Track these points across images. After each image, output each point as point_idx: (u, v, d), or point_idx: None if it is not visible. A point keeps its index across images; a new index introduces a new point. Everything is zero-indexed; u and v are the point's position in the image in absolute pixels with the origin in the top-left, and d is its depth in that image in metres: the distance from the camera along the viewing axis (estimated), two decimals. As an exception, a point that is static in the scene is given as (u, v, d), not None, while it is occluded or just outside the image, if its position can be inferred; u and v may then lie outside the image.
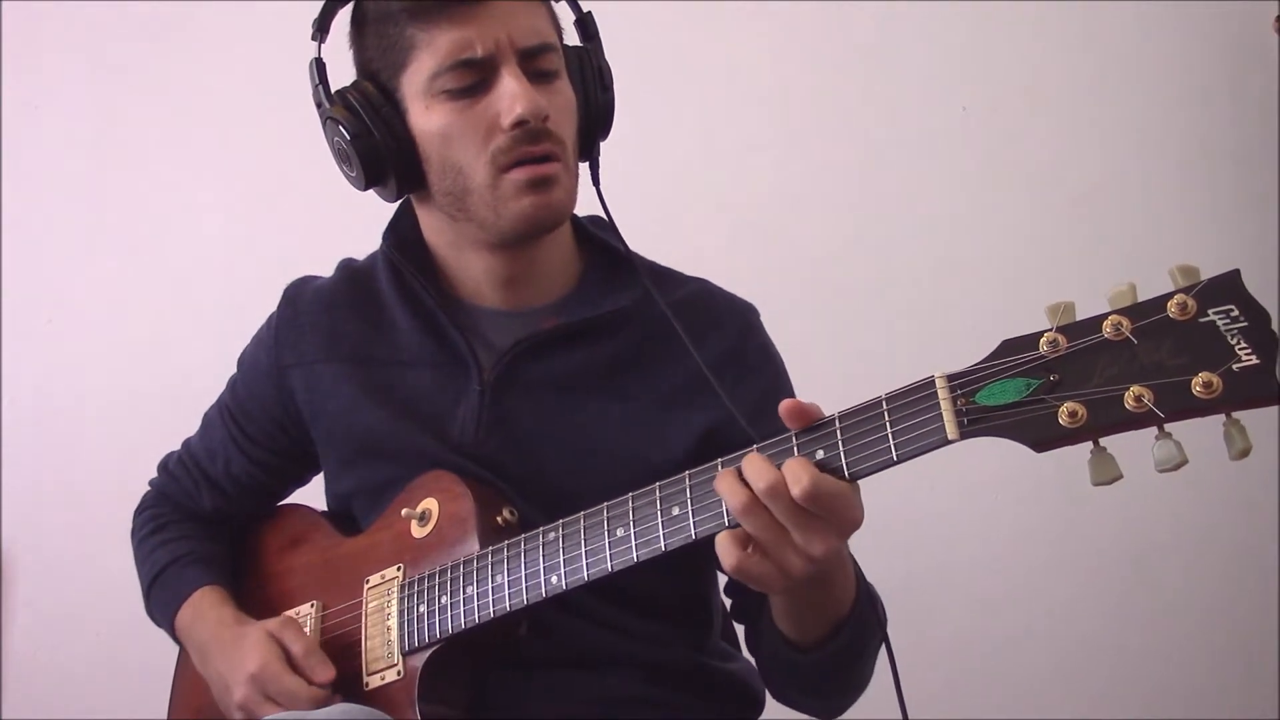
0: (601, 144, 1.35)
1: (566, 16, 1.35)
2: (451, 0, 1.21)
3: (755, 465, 1.02)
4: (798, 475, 0.99)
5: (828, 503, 1.00)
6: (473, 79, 1.23)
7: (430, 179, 1.28)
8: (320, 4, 1.33)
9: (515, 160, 1.23)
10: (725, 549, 1.03)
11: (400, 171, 1.28)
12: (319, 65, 1.32)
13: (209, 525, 1.51)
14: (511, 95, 1.21)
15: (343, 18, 1.33)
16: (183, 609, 1.42)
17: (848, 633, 1.16)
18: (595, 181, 1.35)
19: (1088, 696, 2.27)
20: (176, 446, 1.57)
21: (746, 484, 1.02)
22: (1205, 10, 2.41)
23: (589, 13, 1.36)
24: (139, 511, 1.56)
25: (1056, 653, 2.30)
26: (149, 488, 1.58)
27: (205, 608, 1.40)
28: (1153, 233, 2.35)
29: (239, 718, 1.30)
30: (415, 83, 1.25)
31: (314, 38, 1.32)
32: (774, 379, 1.37)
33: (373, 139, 1.26)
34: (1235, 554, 2.29)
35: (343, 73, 1.33)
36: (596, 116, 1.33)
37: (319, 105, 1.31)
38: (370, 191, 1.32)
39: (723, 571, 1.08)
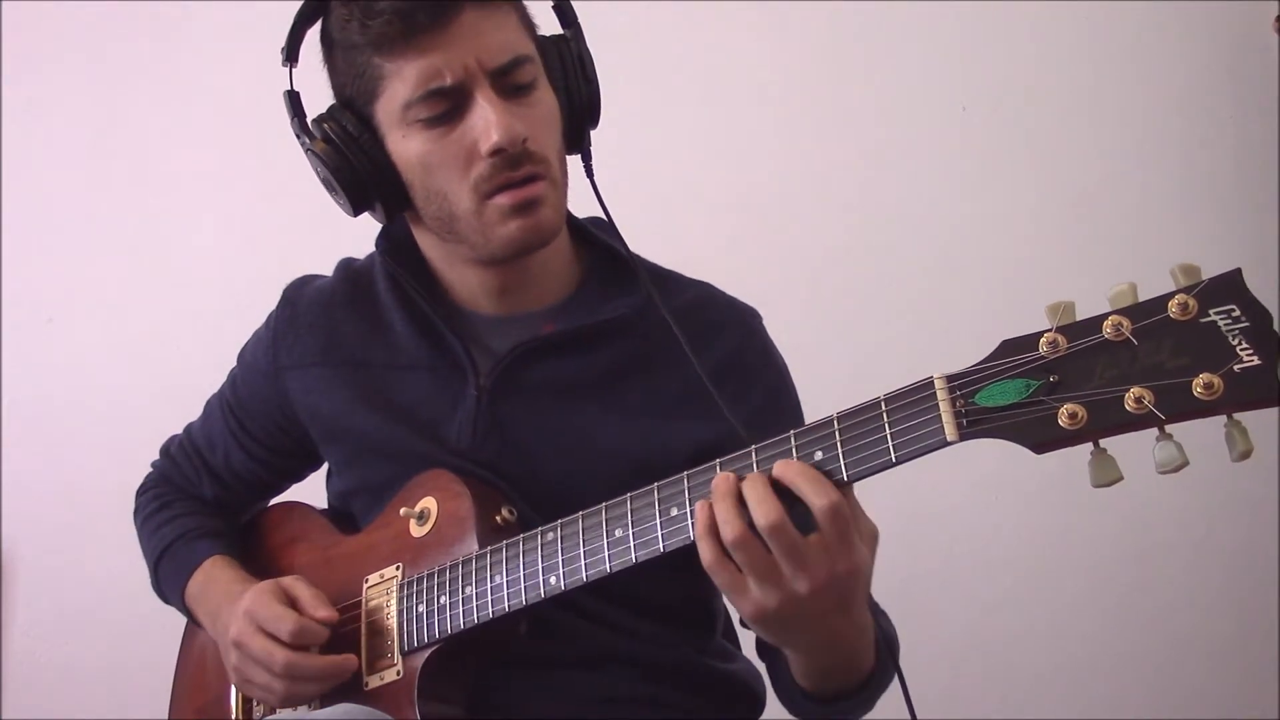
0: (593, 134, 1.32)
1: (543, 7, 1.30)
2: (413, 29, 1.17)
3: (725, 511, 1.00)
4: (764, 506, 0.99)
5: (789, 547, 0.98)
6: (446, 106, 1.20)
7: (417, 203, 1.26)
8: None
9: (498, 186, 1.21)
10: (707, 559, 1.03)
11: (386, 198, 1.26)
12: (293, 98, 1.29)
13: (213, 506, 1.52)
14: (486, 123, 1.18)
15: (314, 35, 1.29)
16: (194, 576, 1.42)
17: (867, 691, 1.15)
18: (589, 174, 1.31)
19: (1088, 696, 2.27)
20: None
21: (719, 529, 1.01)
22: (1205, 10, 2.41)
23: None
24: (141, 491, 1.56)
25: (1057, 652, 2.30)
26: (151, 469, 1.58)
27: (217, 573, 1.40)
28: (1153, 232, 2.35)
29: (232, 659, 1.29)
30: (389, 111, 1.22)
31: (284, 64, 1.28)
32: (776, 383, 1.36)
33: (355, 172, 1.24)
34: (1235, 554, 2.29)
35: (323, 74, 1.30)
36: (582, 109, 1.29)
37: (298, 137, 1.28)
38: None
39: None
